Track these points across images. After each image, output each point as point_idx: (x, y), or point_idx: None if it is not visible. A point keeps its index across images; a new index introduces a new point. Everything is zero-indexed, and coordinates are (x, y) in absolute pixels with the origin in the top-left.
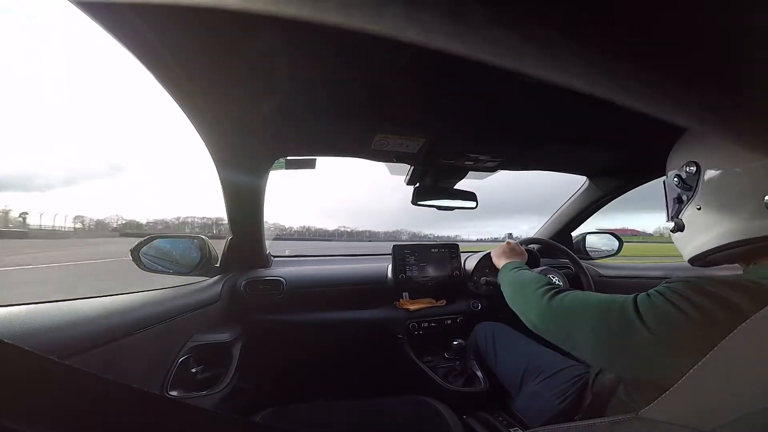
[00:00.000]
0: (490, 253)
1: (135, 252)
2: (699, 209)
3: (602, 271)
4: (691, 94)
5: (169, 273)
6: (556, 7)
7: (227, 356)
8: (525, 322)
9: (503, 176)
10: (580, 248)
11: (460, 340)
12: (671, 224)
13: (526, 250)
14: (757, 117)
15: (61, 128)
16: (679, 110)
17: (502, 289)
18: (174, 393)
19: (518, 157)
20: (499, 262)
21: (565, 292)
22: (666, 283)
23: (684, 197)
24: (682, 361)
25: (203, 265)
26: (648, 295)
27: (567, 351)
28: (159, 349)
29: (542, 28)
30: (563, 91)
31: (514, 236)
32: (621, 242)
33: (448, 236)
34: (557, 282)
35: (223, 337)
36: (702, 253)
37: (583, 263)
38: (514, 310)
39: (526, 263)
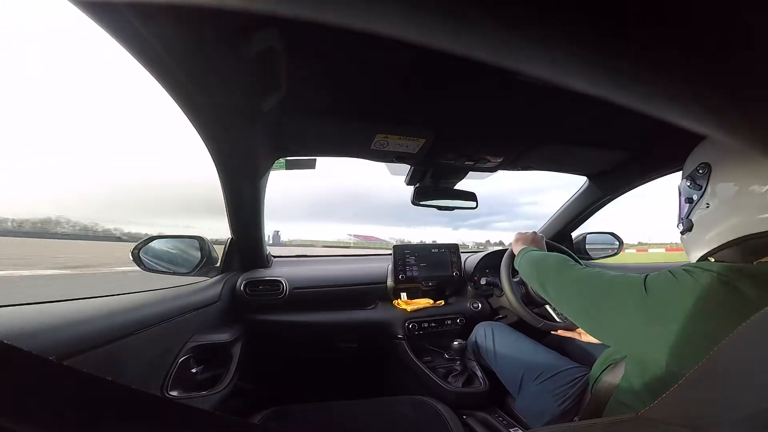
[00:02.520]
0: (490, 253)
1: (135, 252)
2: (708, 206)
3: None
4: (691, 94)
5: (169, 273)
6: (556, 7)
7: (227, 356)
8: (542, 293)
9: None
10: (580, 248)
11: (460, 340)
12: (681, 227)
13: None
14: (758, 117)
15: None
16: (679, 110)
17: (517, 267)
18: (174, 393)
19: (518, 157)
20: (517, 246)
21: (586, 267)
22: (682, 265)
23: (694, 197)
24: (669, 327)
25: (203, 265)
26: (659, 272)
27: (579, 324)
28: (159, 349)
29: (542, 27)
30: (563, 92)
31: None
32: (621, 242)
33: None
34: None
35: (223, 337)
36: (710, 251)
37: (584, 263)
38: (530, 284)
39: None
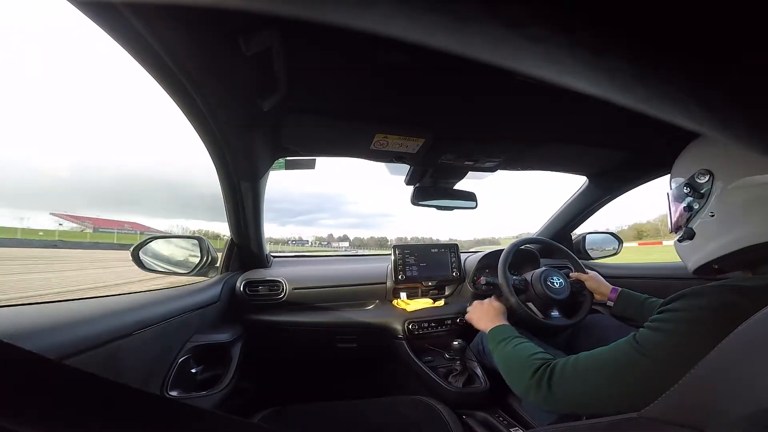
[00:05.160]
0: (490, 253)
1: (135, 252)
2: (712, 215)
3: (602, 271)
4: (691, 94)
5: (168, 273)
6: (556, 6)
7: (227, 356)
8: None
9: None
10: (579, 248)
11: (460, 340)
12: (679, 233)
13: (525, 250)
14: (758, 117)
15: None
16: (679, 110)
17: (492, 351)
18: (174, 393)
19: (518, 157)
20: (480, 324)
21: (563, 363)
22: (662, 304)
23: (695, 205)
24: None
25: (203, 265)
26: (644, 326)
27: (586, 414)
28: (159, 349)
29: (542, 27)
30: (563, 91)
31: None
32: (621, 242)
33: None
34: (558, 283)
35: (223, 337)
36: (714, 259)
37: (583, 263)
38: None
39: (527, 264)
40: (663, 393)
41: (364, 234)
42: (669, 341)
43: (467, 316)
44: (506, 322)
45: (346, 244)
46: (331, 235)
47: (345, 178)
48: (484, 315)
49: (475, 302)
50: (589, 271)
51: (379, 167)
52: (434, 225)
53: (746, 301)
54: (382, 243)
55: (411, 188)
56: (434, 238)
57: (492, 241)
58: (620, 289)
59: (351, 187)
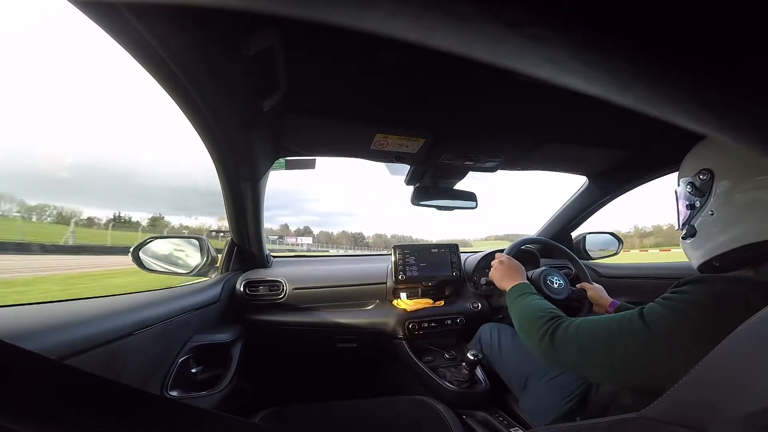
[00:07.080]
0: (490, 253)
1: (135, 252)
2: (712, 214)
3: (602, 271)
4: (691, 94)
5: (168, 273)
6: (556, 6)
7: (227, 356)
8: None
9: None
10: (579, 248)
11: (474, 353)
12: (683, 231)
13: (525, 250)
14: (758, 117)
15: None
16: (679, 110)
17: (510, 307)
18: (174, 393)
19: (518, 157)
20: (503, 283)
21: (568, 322)
22: (674, 285)
23: (697, 203)
24: (680, 358)
25: (203, 265)
26: (654, 302)
27: (580, 376)
28: (159, 349)
29: (542, 27)
30: (564, 91)
31: None
32: (621, 242)
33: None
34: (558, 283)
35: (223, 337)
36: (714, 257)
37: (583, 263)
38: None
39: (527, 264)
40: (653, 369)
41: (333, 229)
42: (674, 317)
43: (490, 275)
44: (525, 281)
45: (309, 240)
46: (286, 226)
47: (310, 174)
48: (507, 274)
49: (495, 262)
50: (594, 284)
51: (351, 164)
52: (412, 224)
53: (755, 295)
54: (357, 239)
55: (379, 186)
56: (414, 237)
57: (464, 243)
58: (619, 303)
59: (314, 184)
